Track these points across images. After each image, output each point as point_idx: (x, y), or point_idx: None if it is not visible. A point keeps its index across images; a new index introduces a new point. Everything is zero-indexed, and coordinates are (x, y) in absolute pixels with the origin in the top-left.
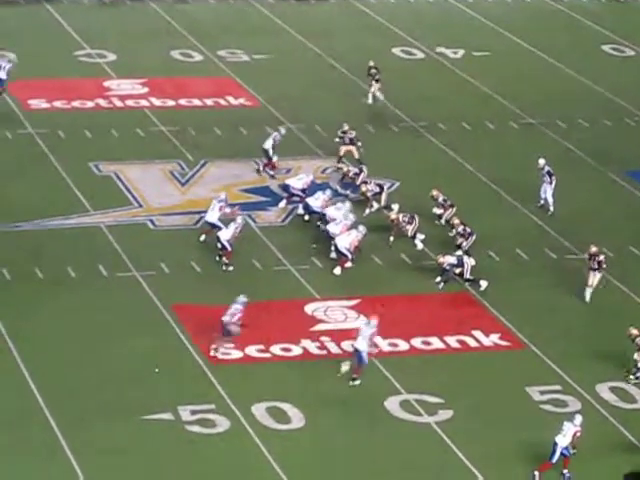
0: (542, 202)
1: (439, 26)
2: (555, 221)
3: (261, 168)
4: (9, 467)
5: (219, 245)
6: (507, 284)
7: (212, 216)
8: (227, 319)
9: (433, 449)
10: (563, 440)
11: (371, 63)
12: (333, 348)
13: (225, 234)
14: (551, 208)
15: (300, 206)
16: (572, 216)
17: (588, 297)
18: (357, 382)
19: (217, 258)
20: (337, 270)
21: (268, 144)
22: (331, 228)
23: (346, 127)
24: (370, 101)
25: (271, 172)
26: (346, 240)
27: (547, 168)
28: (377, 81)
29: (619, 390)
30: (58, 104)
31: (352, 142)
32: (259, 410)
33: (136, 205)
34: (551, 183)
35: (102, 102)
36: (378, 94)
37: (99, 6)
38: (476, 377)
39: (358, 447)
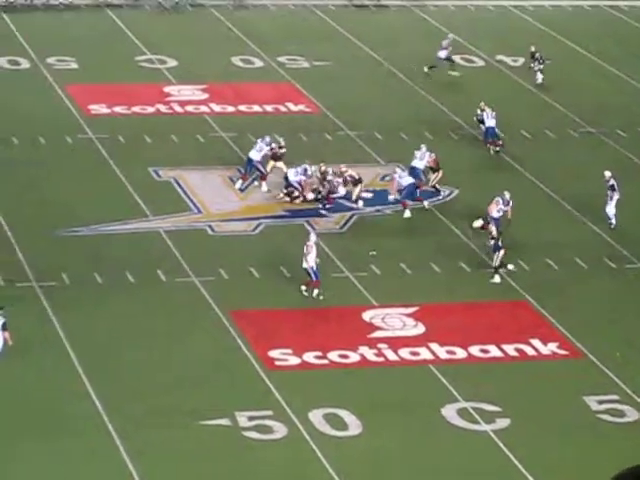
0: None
1: (499, 34)
2: (615, 230)
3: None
4: (67, 471)
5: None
6: (566, 293)
7: (256, 155)
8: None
9: (490, 457)
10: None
11: (532, 49)
12: (390, 355)
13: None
14: (613, 221)
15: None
16: (632, 225)
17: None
18: (315, 292)
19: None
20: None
21: (258, 155)
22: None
23: None
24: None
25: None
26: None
27: (612, 182)
28: (542, 63)
29: None
30: (118, 109)
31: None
32: (316, 417)
33: (195, 211)
34: (612, 198)
35: (162, 108)
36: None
37: (160, 12)
38: (534, 386)
39: (415, 454)
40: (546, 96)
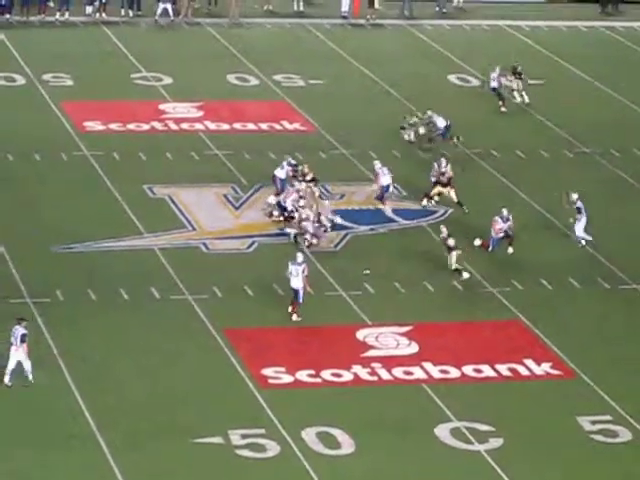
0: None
1: (494, 53)
2: (609, 251)
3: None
4: None
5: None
6: (559, 313)
7: (281, 173)
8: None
9: (483, 477)
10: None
11: (514, 64)
12: (384, 374)
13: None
14: (582, 242)
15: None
16: (626, 246)
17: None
18: (294, 317)
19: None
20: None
21: (282, 173)
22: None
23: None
24: (518, 99)
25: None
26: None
27: (579, 203)
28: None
29: None
30: (114, 126)
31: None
32: (309, 435)
33: (190, 228)
34: (580, 220)
35: (157, 125)
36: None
37: (156, 29)
38: (527, 406)
39: (408, 474)
40: (541, 116)
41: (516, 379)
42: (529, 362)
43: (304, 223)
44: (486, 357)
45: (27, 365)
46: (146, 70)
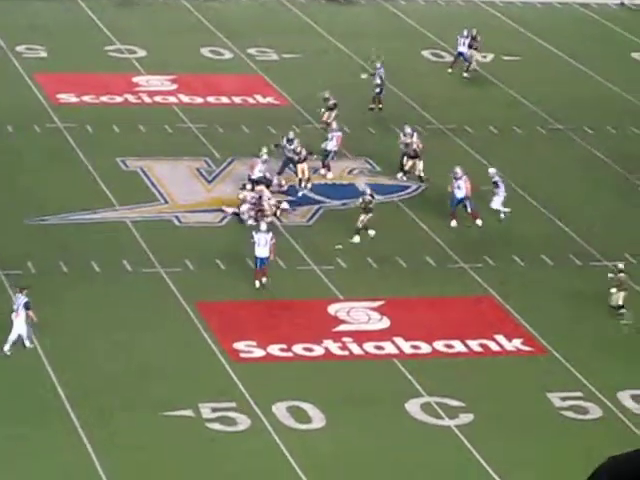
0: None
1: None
2: (581, 228)
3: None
4: (29, 461)
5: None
6: (531, 289)
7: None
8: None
9: (453, 452)
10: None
11: (474, 32)
12: (355, 349)
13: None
14: (502, 215)
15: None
16: (598, 223)
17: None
18: (262, 281)
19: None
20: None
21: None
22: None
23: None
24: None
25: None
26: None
27: (495, 178)
28: (476, 49)
29: None
30: (87, 99)
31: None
32: (280, 409)
33: (162, 201)
34: (498, 194)
35: (131, 98)
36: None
37: (130, 2)
38: (498, 382)
39: (378, 448)
40: (515, 92)
41: (487, 355)
42: (500, 338)
43: (243, 205)
44: (457, 333)
45: (21, 332)
46: (120, 43)
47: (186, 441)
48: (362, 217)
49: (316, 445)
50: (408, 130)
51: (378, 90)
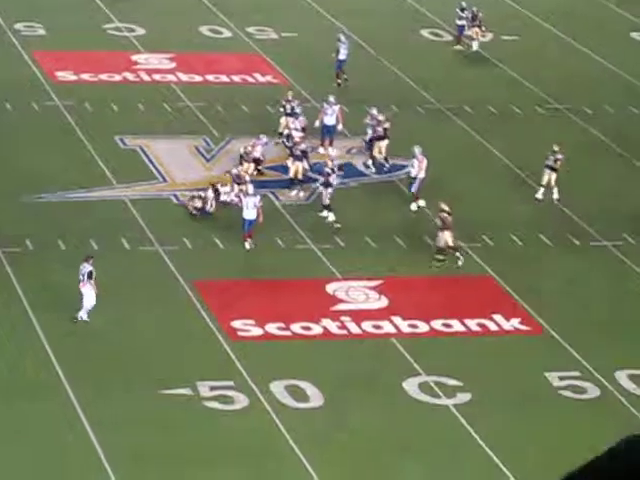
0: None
1: (468, 9)
2: (580, 207)
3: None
4: (27, 438)
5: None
6: (529, 269)
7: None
8: None
9: (450, 431)
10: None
11: (474, 10)
12: (353, 328)
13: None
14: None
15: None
16: (596, 202)
17: (540, 196)
18: (248, 245)
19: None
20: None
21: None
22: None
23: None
24: (475, 47)
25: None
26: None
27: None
28: (479, 27)
29: (638, 378)
30: (86, 77)
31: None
32: (278, 388)
33: (160, 180)
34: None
35: (129, 76)
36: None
37: None
38: (495, 361)
39: (375, 427)
40: (513, 72)
41: (485, 334)
42: (498, 317)
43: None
44: (455, 312)
45: (89, 303)
46: (119, 21)
47: (184, 419)
48: (325, 192)
49: (314, 424)
50: (374, 112)
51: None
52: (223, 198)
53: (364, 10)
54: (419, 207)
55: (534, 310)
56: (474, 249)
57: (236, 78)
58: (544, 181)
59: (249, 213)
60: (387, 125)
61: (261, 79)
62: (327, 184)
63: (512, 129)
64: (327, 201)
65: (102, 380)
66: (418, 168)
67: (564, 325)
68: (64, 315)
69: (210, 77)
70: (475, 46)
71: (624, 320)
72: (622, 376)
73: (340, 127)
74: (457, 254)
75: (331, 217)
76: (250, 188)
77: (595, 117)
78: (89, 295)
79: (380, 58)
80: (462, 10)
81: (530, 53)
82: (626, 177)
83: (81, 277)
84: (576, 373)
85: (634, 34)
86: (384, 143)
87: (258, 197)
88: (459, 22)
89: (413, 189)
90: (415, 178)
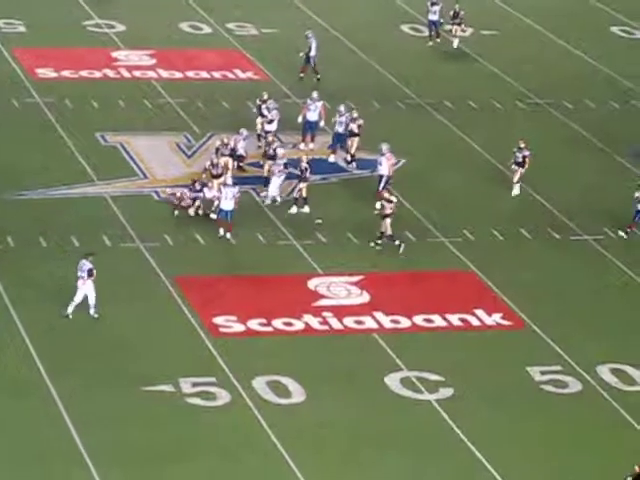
0: None
1: (448, 4)
2: (560, 202)
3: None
4: (8, 436)
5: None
6: (510, 264)
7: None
8: None
9: (433, 426)
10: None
11: (456, 7)
12: (335, 324)
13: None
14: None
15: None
16: (577, 197)
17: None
18: (229, 235)
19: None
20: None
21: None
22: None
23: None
24: (455, 45)
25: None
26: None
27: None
28: (460, 25)
29: (619, 372)
30: (66, 73)
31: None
32: (260, 384)
33: (141, 176)
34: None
35: (110, 72)
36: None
37: None
38: (477, 356)
39: (358, 423)
40: (494, 67)
41: (467, 329)
42: (480, 312)
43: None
44: (437, 307)
45: (92, 299)
46: (99, 17)
47: (166, 416)
48: (300, 186)
49: (296, 420)
50: (342, 108)
51: (307, 58)
52: (208, 196)
53: (344, 6)
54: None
55: (515, 305)
56: (455, 244)
57: (216, 74)
58: (516, 178)
59: (227, 204)
60: (361, 122)
61: (241, 75)
62: (303, 179)
63: (492, 124)
64: (303, 194)
65: (84, 377)
66: (386, 165)
67: (545, 319)
68: (45, 311)
69: (190, 73)
70: (455, 43)
71: (605, 314)
72: (604, 370)
73: (322, 123)
74: (397, 242)
75: (306, 209)
76: (228, 179)
77: (576, 112)
78: (91, 292)
79: (360, 54)
80: (432, 4)
81: (510, 48)
82: (607, 172)
83: (80, 274)
84: (558, 367)
85: (614, 28)
86: (356, 140)
87: (237, 188)
88: (431, 17)
89: (380, 187)
90: (383, 176)
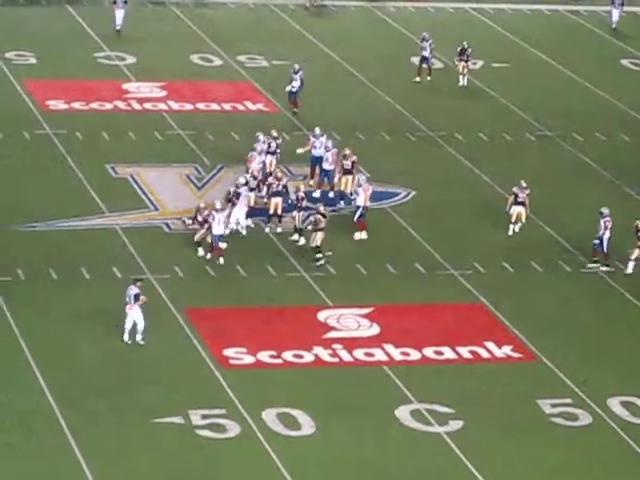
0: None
1: (458, 36)
2: (570, 234)
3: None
4: (19, 467)
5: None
6: (521, 296)
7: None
8: None
9: (443, 459)
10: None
11: (465, 44)
12: (345, 356)
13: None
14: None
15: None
16: (587, 229)
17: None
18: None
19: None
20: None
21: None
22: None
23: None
24: (461, 83)
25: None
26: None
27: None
28: (466, 62)
29: (630, 405)
30: (77, 105)
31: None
32: (270, 416)
33: (152, 208)
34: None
35: (120, 104)
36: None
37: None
38: (487, 388)
39: (368, 455)
40: (504, 99)
41: (477, 361)
42: (490, 345)
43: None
44: (447, 339)
45: (140, 325)
46: (110, 49)
47: (176, 448)
48: (297, 216)
49: (306, 452)
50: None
51: (293, 91)
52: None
53: (355, 39)
54: (361, 239)
55: (526, 337)
56: (465, 276)
57: (227, 106)
58: (514, 218)
59: (218, 228)
60: (354, 159)
61: (252, 107)
62: (300, 208)
63: (502, 156)
64: (300, 225)
65: (93, 407)
66: (364, 197)
67: (556, 352)
68: (55, 343)
69: (201, 105)
70: (462, 81)
71: (615, 347)
72: (614, 403)
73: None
74: (319, 255)
75: (302, 241)
76: (218, 204)
77: (586, 144)
78: (139, 318)
79: (371, 86)
80: (422, 40)
81: (520, 80)
82: (616, 204)
83: (128, 299)
84: (568, 400)
85: (624, 61)
86: (350, 177)
87: (226, 212)
88: (423, 53)
89: (355, 218)
90: (360, 207)
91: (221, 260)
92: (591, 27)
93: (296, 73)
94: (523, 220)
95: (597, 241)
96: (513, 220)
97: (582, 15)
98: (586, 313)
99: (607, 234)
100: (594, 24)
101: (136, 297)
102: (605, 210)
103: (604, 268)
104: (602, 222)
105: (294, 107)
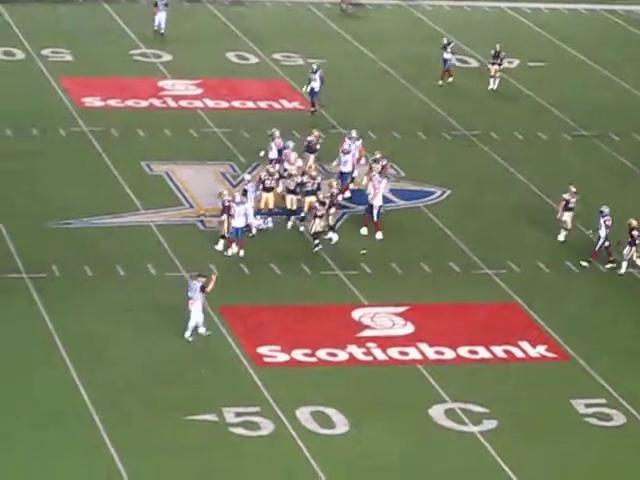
0: None
1: (494, 35)
2: (608, 235)
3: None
4: (53, 465)
5: None
6: (556, 296)
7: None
8: None
9: (476, 458)
10: None
11: (497, 47)
12: (379, 354)
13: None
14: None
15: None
16: (622, 230)
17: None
18: (242, 253)
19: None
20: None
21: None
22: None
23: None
24: (492, 86)
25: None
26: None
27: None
28: (499, 65)
29: None
30: (112, 102)
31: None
32: (304, 414)
33: (187, 206)
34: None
35: (156, 102)
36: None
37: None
38: (521, 388)
39: (401, 454)
40: (540, 98)
41: (511, 361)
42: (524, 344)
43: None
44: (481, 339)
45: (200, 319)
46: (145, 47)
47: (209, 445)
48: (331, 211)
49: (339, 450)
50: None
51: (313, 91)
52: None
53: (390, 37)
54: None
55: (560, 337)
56: (500, 275)
57: (262, 104)
58: (569, 225)
59: (239, 221)
60: (384, 162)
61: (287, 105)
62: (332, 204)
63: (538, 155)
64: (331, 222)
65: (128, 406)
66: (374, 194)
67: (590, 352)
68: (90, 340)
69: (236, 103)
70: (492, 84)
71: None
72: None
73: (363, 161)
74: (316, 241)
75: (335, 238)
76: (237, 197)
77: (622, 143)
78: (197, 313)
79: (407, 84)
80: (448, 44)
81: (557, 79)
82: None
83: (191, 294)
84: (602, 400)
85: None
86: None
87: (247, 205)
88: (445, 55)
89: (375, 217)
90: (379, 207)
91: (241, 252)
92: (628, 26)
93: (315, 73)
94: (569, 226)
95: (607, 242)
96: (569, 227)
97: (619, 14)
98: (621, 314)
99: (604, 232)
100: (631, 23)
101: (201, 288)
102: (605, 209)
103: (608, 265)
104: (602, 221)
105: (312, 107)
